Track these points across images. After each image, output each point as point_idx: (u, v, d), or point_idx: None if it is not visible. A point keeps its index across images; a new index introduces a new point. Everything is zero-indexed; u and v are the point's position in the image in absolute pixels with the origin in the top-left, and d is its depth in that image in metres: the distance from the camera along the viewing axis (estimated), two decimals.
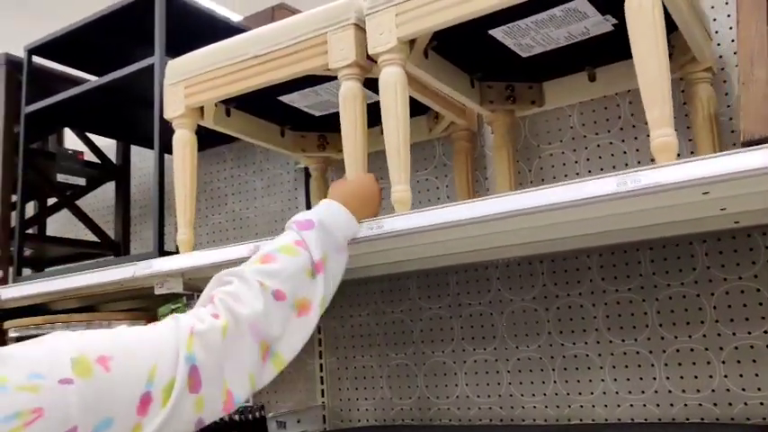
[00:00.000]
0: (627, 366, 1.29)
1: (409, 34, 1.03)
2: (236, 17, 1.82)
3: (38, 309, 1.63)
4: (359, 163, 1.08)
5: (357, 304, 1.63)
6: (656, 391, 1.26)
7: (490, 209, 0.85)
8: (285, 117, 1.48)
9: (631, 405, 1.28)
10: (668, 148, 0.82)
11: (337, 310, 1.64)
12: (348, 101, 1.09)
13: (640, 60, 0.85)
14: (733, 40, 1.25)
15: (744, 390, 1.19)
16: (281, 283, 0.87)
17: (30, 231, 1.93)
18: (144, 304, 1.66)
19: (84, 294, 1.48)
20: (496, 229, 0.96)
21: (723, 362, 1.21)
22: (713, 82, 1.20)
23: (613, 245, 1.32)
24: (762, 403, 1.17)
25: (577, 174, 1.38)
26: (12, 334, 1.54)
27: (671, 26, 0.96)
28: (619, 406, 1.29)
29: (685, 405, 1.23)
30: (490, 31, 1.14)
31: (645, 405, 1.27)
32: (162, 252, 1.32)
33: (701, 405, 1.22)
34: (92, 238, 1.89)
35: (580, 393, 1.33)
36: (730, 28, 1.26)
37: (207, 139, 1.58)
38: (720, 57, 1.26)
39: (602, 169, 1.36)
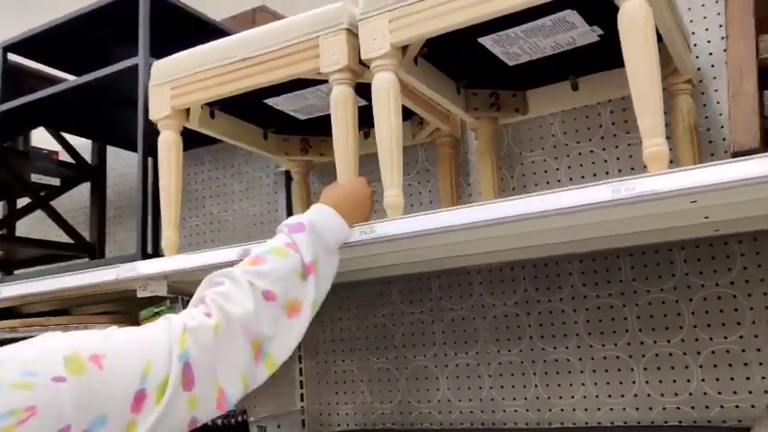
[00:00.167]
0: (607, 370, 1.32)
1: (403, 40, 1.04)
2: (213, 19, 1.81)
3: (6, 312, 1.59)
4: (350, 167, 1.08)
5: (338, 308, 1.63)
6: (635, 395, 1.29)
7: (490, 214, 0.86)
8: (268, 120, 1.48)
9: (611, 409, 1.31)
10: (660, 156, 0.85)
11: (317, 315, 1.63)
12: (340, 105, 1.09)
13: (632, 71, 0.87)
14: (711, 54, 1.29)
15: (720, 393, 1.22)
16: (272, 284, 0.87)
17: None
18: (121, 307, 1.64)
19: (59, 297, 1.45)
20: (492, 234, 0.98)
21: (700, 366, 1.24)
22: (693, 93, 1.24)
23: (594, 251, 1.34)
24: (737, 406, 1.21)
25: (559, 181, 1.41)
26: None
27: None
28: (599, 409, 1.32)
29: (664, 408, 1.26)
30: (479, 39, 1.15)
31: (624, 408, 1.29)
32: (145, 254, 1.31)
33: (678, 408, 1.25)
34: (63, 239, 1.85)
35: (561, 397, 1.36)
36: (708, 41, 1.30)
37: (185, 141, 1.57)
38: (699, 69, 1.29)
39: (583, 177, 1.38)
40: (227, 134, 1.42)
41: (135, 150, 1.82)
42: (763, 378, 1.19)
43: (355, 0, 1.11)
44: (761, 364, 1.19)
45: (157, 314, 1.30)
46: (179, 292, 1.28)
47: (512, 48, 1.19)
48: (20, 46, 1.61)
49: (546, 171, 1.42)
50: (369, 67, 1.08)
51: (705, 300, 1.25)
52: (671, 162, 1.29)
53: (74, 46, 1.62)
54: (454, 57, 1.20)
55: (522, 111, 1.38)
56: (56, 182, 1.73)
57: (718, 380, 1.23)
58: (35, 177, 1.66)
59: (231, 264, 1.08)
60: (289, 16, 2.01)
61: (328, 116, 1.42)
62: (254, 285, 0.85)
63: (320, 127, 1.51)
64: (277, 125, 1.51)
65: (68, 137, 1.87)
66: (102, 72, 1.43)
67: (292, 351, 0.88)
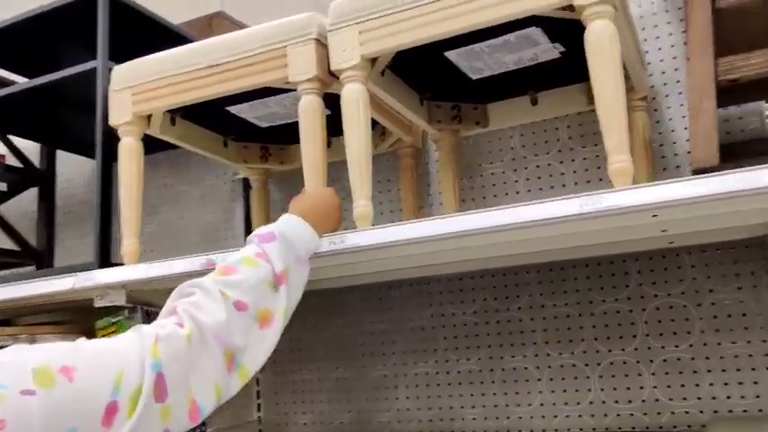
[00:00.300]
0: (564, 378, 1.35)
1: (373, 52, 1.05)
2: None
3: None
4: (318, 176, 1.08)
5: (295, 318, 1.60)
6: (590, 402, 1.32)
7: (468, 224, 0.88)
8: (228, 127, 1.46)
9: (567, 416, 1.34)
10: (625, 172, 0.88)
11: None
12: (308, 114, 1.09)
13: (599, 89, 0.90)
14: (663, 72, 1.34)
15: (671, 400, 1.27)
16: (243, 294, 0.87)
17: None
18: (68, 317, 1.59)
19: (10, 307, 1.40)
20: (463, 244, 0.99)
21: (653, 373, 1.28)
22: (647, 110, 1.29)
23: (551, 262, 1.38)
24: (687, 412, 1.25)
25: (517, 193, 1.44)
26: None
27: None
28: (555, 417, 1.35)
29: (618, 415, 1.30)
30: (446, 53, 1.17)
31: (580, 416, 1.33)
32: (103, 263, 1.27)
33: (632, 415, 1.29)
34: (8, 246, 1.79)
35: (518, 405, 1.38)
36: (661, 60, 1.35)
37: None
38: (652, 86, 1.34)
39: (540, 189, 1.42)
40: (187, 141, 1.40)
41: (87, 155, 1.80)
42: (711, 385, 1.24)
43: (319, 9, 1.12)
44: (709, 371, 1.24)
45: (115, 324, 1.27)
46: (138, 302, 1.25)
47: (476, 62, 1.21)
48: None
49: (505, 183, 1.45)
50: (338, 78, 1.08)
51: (657, 309, 1.30)
52: None
53: (26, 47, 1.57)
54: (419, 69, 1.22)
55: (482, 123, 1.41)
56: (2, 186, 1.67)
57: (669, 387, 1.27)
58: None
59: (195, 273, 1.08)
60: (247, 23, 2.01)
61: (289, 124, 1.43)
62: (226, 295, 0.85)
63: (281, 135, 1.51)
64: (237, 132, 1.50)
65: (15, 140, 1.81)
66: (58, 75, 1.39)
67: (264, 362, 0.87)
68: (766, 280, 1.23)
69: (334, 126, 1.13)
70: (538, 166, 1.43)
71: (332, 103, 1.12)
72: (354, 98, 1.04)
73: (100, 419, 0.67)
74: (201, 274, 1.05)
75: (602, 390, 1.32)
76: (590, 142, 1.39)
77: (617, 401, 1.30)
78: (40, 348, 0.70)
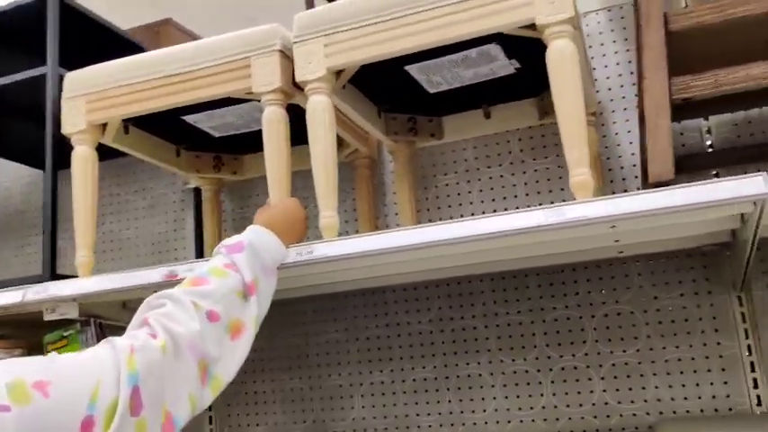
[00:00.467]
0: (517, 384, 1.39)
1: (338, 65, 1.06)
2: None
3: None
4: (283, 187, 1.09)
5: None
6: (543, 407, 1.36)
7: (443, 234, 0.89)
8: (181, 137, 1.44)
9: (521, 421, 1.37)
10: (586, 185, 0.92)
11: None
12: (272, 125, 1.10)
13: (560, 105, 0.94)
14: (610, 89, 1.41)
15: (619, 402, 1.32)
16: (214, 304, 0.86)
17: None
18: (10, 331, 1.53)
19: None
20: (439, 253, 1.01)
21: (602, 378, 1.34)
22: (595, 125, 1.34)
23: (504, 271, 1.42)
24: (634, 414, 1.31)
25: (471, 203, 1.47)
26: None
27: None
28: (509, 422, 1.38)
29: (569, 419, 1.34)
30: (406, 67, 1.19)
31: (533, 420, 1.37)
32: (53, 275, 1.24)
33: (583, 418, 1.34)
34: None
35: (473, 411, 1.41)
36: (607, 78, 1.41)
37: None
38: (599, 102, 1.40)
39: (493, 200, 1.46)
40: (140, 150, 1.37)
41: (28, 163, 1.74)
42: (657, 387, 1.30)
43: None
44: (655, 374, 1.30)
45: (66, 338, 1.24)
46: (90, 315, 1.22)
47: (435, 76, 1.24)
48: None
49: (459, 194, 1.48)
50: (301, 89, 1.09)
51: (606, 316, 1.35)
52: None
53: None
54: (379, 82, 1.24)
55: (437, 136, 1.44)
56: None
57: (618, 390, 1.32)
58: None
59: (156, 285, 1.07)
60: (195, 32, 1.98)
61: (243, 134, 1.43)
62: (198, 306, 0.84)
63: (234, 145, 1.50)
64: (189, 142, 1.48)
65: None
66: (4, 80, 1.35)
67: (236, 373, 0.87)
68: (706, 287, 1.30)
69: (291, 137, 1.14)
70: (490, 178, 1.47)
71: (290, 114, 1.12)
72: (320, 109, 1.05)
73: None
74: (163, 285, 1.04)
75: (554, 395, 1.36)
76: (540, 155, 1.44)
77: (568, 406, 1.35)
78: (13, 362, 0.68)
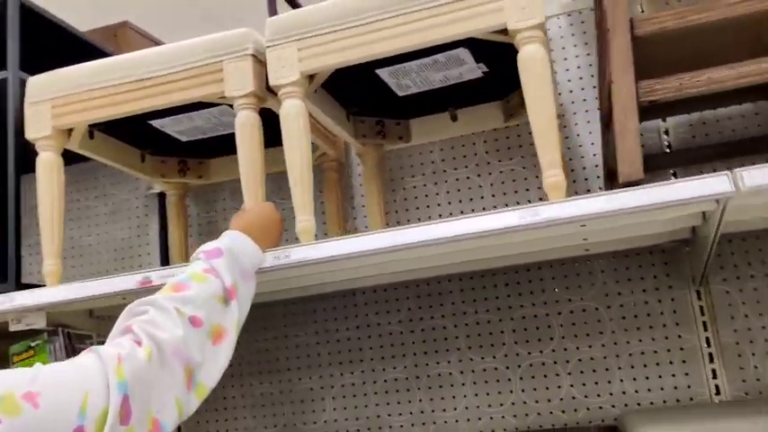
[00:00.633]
0: (486, 382, 1.41)
1: (312, 69, 1.06)
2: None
3: None
4: (257, 191, 1.09)
5: None
6: (512, 403, 1.39)
7: (412, 237, 0.91)
8: (147, 141, 1.43)
9: (491, 417, 1.40)
10: (558, 186, 0.94)
11: None
12: (246, 129, 1.10)
13: (533, 109, 0.96)
14: (571, 91, 1.45)
15: (586, 396, 1.36)
16: (197, 310, 0.86)
17: None
18: None
19: None
20: (414, 255, 1.02)
21: (569, 373, 1.37)
22: (559, 127, 1.38)
23: (473, 271, 1.44)
24: (601, 407, 1.35)
25: (438, 205, 1.49)
26: None
27: None
28: (480, 419, 1.41)
29: (538, 414, 1.38)
30: (377, 70, 1.20)
31: (503, 417, 1.39)
32: (19, 284, 1.21)
33: (551, 413, 1.37)
34: None
35: (444, 410, 1.43)
36: (568, 80, 1.45)
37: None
38: (561, 105, 1.44)
39: (460, 201, 1.48)
40: (104, 155, 1.35)
41: None
42: (622, 381, 1.34)
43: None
44: (620, 368, 1.34)
45: (33, 348, 1.21)
46: (58, 325, 1.20)
47: (405, 80, 1.25)
48: None
49: (426, 195, 1.50)
50: (274, 94, 1.09)
51: (572, 313, 1.39)
52: (538, 188, 1.43)
53: None
54: (349, 86, 1.25)
55: (405, 138, 1.46)
56: None
57: (584, 385, 1.36)
58: None
59: (131, 292, 1.05)
60: (153, 35, 1.96)
61: (209, 139, 1.42)
62: (181, 312, 0.84)
63: (200, 149, 1.49)
64: (154, 147, 1.47)
65: None
66: None
67: (219, 379, 0.87)
68: (667, 282, 1.35)
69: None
70: (457, 179, 1.49)
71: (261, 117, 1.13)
72: (294, 113, 1.06)
73: None
74: (138, 292, 1.03)
75: (523, 391, 1.39)
76: (505, 157, 1.47)
77: (537, 401, 1.38)
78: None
